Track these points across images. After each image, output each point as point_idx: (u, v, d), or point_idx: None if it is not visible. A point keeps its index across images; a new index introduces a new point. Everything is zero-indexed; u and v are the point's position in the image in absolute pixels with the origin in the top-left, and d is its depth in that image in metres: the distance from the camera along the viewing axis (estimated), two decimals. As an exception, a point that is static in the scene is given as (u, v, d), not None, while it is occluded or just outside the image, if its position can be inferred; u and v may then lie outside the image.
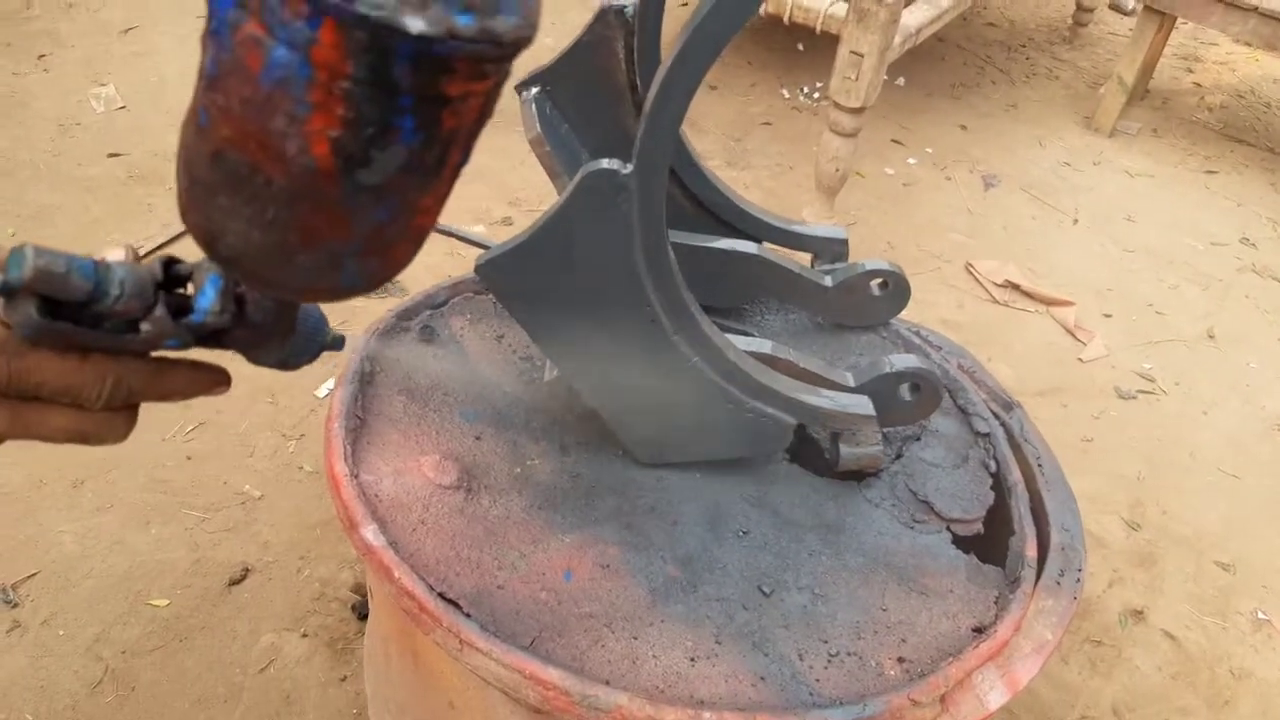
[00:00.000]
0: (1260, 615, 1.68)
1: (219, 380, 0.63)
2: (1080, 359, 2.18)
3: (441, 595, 0.72)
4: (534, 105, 1.01)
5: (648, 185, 0.74)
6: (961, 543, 0.91)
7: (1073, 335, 2.24)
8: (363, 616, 1.47)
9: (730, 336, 0.91)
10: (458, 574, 0.76)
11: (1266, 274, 2.56)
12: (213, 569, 1.54)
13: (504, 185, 2.50)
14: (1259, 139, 3.25)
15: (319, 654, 1.43)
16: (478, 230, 2.36)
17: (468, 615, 0.71)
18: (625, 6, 0.98)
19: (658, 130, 0.71)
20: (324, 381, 1.86)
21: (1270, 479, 1.95)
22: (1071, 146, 3.02)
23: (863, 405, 0.90)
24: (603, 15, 0.98)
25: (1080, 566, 0.87)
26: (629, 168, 0.74)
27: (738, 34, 0.68)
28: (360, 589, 1.52)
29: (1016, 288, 2.34)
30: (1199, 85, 3.59)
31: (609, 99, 1.03)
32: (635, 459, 0.92)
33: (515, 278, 0.80)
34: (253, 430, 1.77)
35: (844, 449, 0.91)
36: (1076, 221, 2.67)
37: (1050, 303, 2.31)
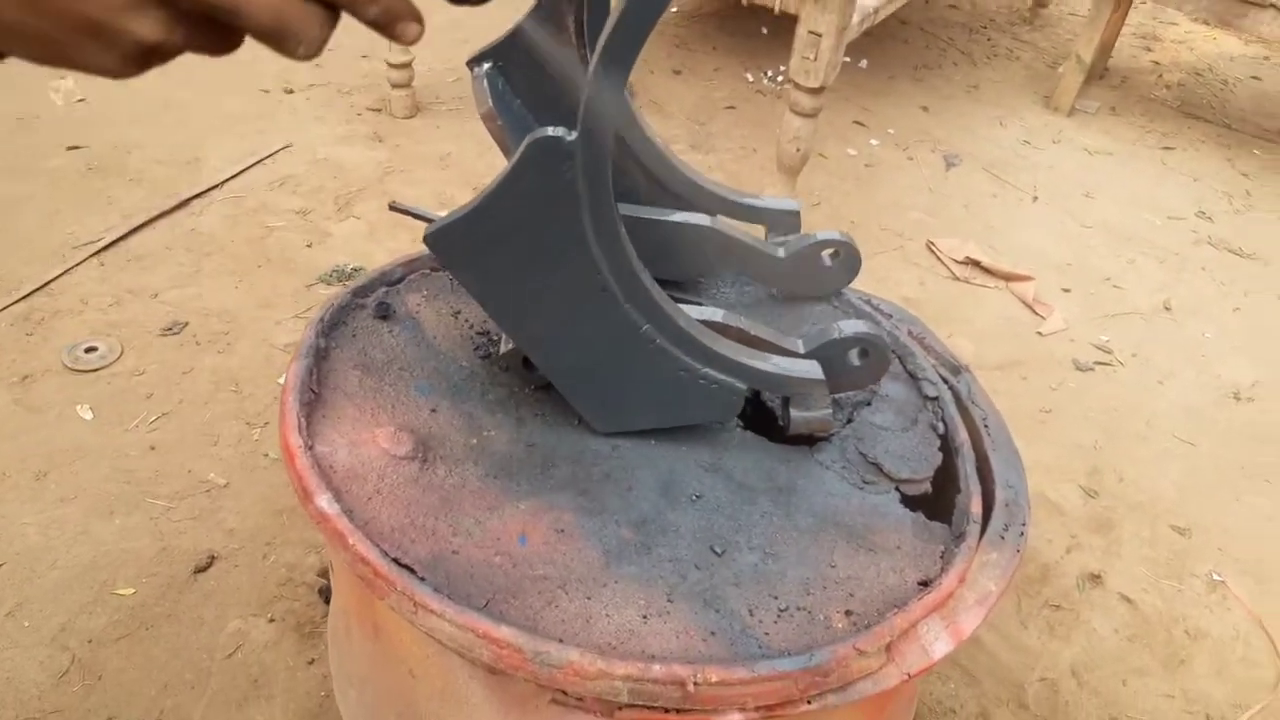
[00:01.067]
0: (1215, 577, 1.72)
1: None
2: (1039, 333, 2.21)
3: (396, 561, 0.73)
4: (485, 81, 1.02)
5: (593, 152, 0.75)
6: (910, 502, 0.93)
7: (1032, 310, 2.27)
8: (329, 600, 1.48)
9: (683, 305, 0.92)
10: (413, 540, 0.77)
11: (1222, 246, 2.61)
12: (178, 557, 1.54)
13: (470, 171, 2.50)
14: (1215, 115, 3.30)
15: (286, 638, 1.43)
16: (441, 215, 2.36)
17: (422, 579, 0.72)
18: (572, -18, 0.98)
19: (600, 97, 0.72)
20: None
21: (1224, 445, 2.00)
22: (1031, 126, 3.06)
23: (812, 370, 0.92)
24: (549, -8, 0.99)
25: (1024, 521, 0.89)
26: (573, 135, 0.75)
27: (652, 39, 0.69)
28: (325, 573, 1.52)
29: (977, 264, 2.37)
30: (1157, 64, 3.64)
31: (561, 72, 1.04)
32: (591, 428, 0.93)
33: (464, 247, 0.81)
34: (217, 419, 1.76)
35: (795, 413, 0.93)
36: (1036, 199, 2.70)
37: (1010, 278, 2.34)
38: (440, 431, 0.89)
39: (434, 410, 0.91)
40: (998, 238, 2.51)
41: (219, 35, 0.51)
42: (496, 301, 0.84)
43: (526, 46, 1.02)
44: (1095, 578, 1.68)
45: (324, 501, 0.76)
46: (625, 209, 1.06)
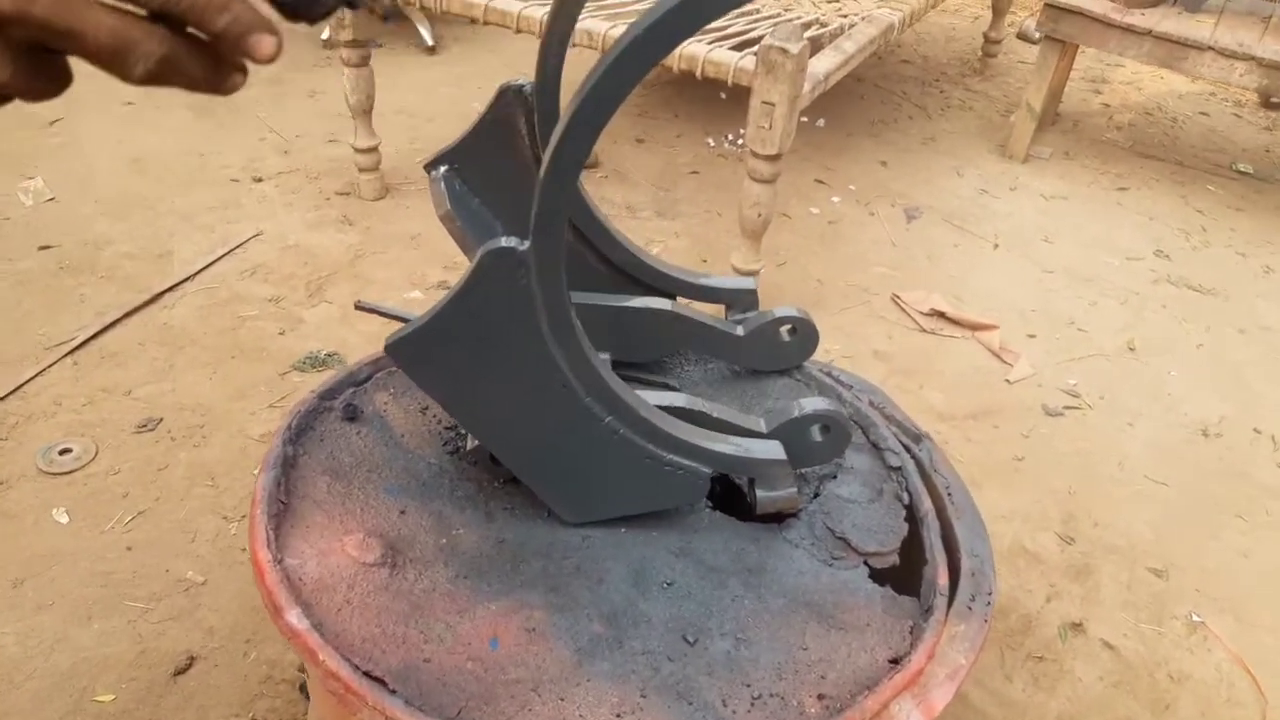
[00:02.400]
0: (1194, 618, 1.73)
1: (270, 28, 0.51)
2: (1008, 380, 2.24)
3: (367, 674, 0.74)
4: (443, 183, 1.05)
5: (546, 259, 0.78)
6: (878, 576, 0.94)
7: (999, 358, 2.31)
8: (309, 696, 1.47)
9: (644, 392, 0.94)
10: (383, 651, 0.77)
11: (1181, 284, 2.66)
12: (158, 659, 1.53)
13: (440, 249, 2.53)
14: (1167, 153, 3.39)
15: (270, 737, 1.42)
16: (414, 295, 2.38)
17: (393, 691, 0.73)
18: (523, 86, 1.02)
19: (549, 207, 0.75)
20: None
21: (1195, 483, 2.02)
22: (988, 174, 3.13)
23: (774, 450, 0.94)
24: (503, 94, 1.03)
25: (990, 590, 0.91)
26: (526, 244, 0.77)
27: (614, 115, 0.72)
28: (305, 668, 1.51)
29: (942, 315, 2.41)
30: (1107, 105, 3.74)
31: (516, 173, 1.07)
32: (561, 520, 0.95)
33: (426, 355, 0.83)
34: (193, 515, 1.76)
35: (761, 493, 0.94)
36: (997, 247, 2.76)
37: (975, 327, 2.38)
38: (409, 533, 0.90)
39: (403, 512, 0.92)
40: (962, 287, 2.56)
41: (52, 69, 0.49)
42: (459, 404, 0.86)
43: (481, 148, 1.05)
44: (1077, 626, 1.69)
45: (294, 617, 0.76)
46: (585, 297, 1.08)
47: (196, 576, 1.66)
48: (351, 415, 1.03)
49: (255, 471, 1.86)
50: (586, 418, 0.87)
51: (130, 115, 3.04)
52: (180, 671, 1.51)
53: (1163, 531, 1.90)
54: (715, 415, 0.96)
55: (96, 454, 1.87)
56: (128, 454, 1.88)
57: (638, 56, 0.70)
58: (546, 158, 0.73)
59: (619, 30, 2.13)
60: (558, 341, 0.83)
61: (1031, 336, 2.40)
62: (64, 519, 1.74)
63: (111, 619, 1.59)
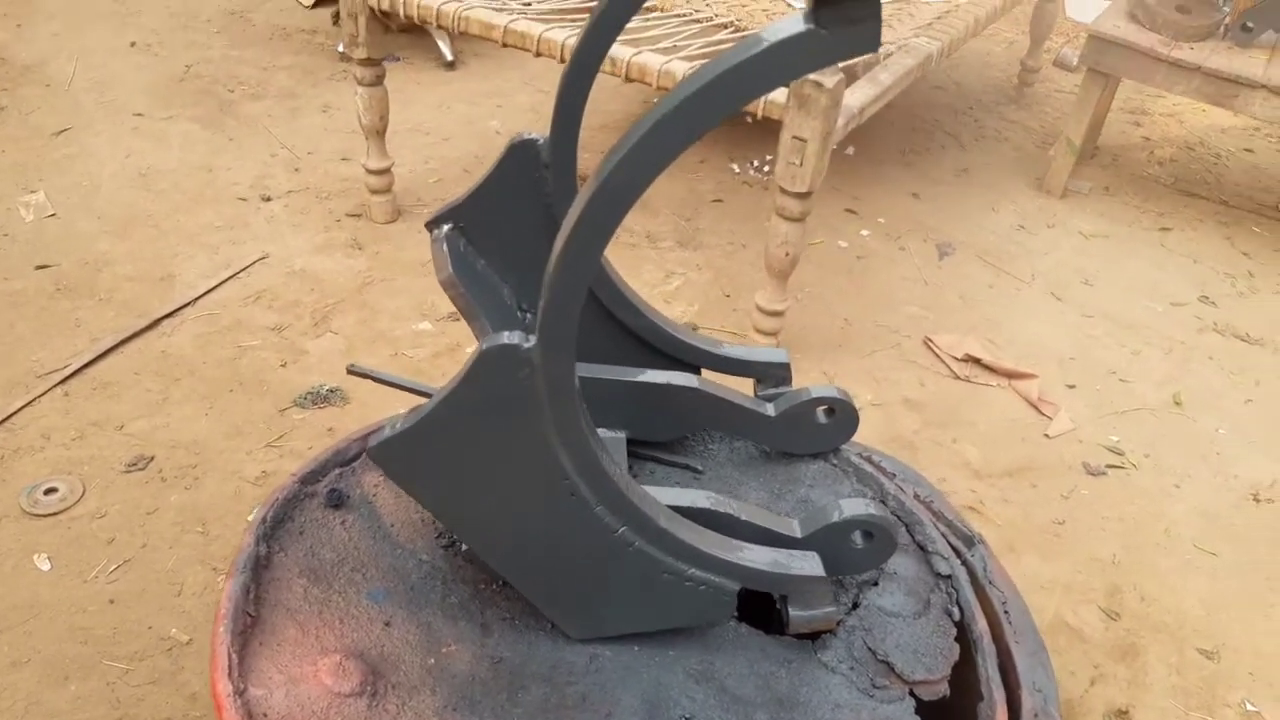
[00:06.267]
0: (1249, 706, 1.60)
1: None
2: (1046, 435, 2.12)
3: (333, 845, 0.63)
4: (445, 244, 0.94)
5: (554, 358, 0.67)
6: (925, 709, 0.83)
7: (1037, 409, 2.18)
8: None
9: (663, 489, 0.83)
10: (355, 811, 0.66)
11: (1228, 333, 2.53)
12: (135, 728, 1.43)
13: (450, 278, 2.43)
14: (1211, 192, 3.26)
15: (248, 823, 1.31)
16: (423, 327, 2.28)
17: None
18: (535, 139, 0.92)
19: (561, 301, 0.64)
20: (258, 506, 1.76)
21: (1246, 553, 1.89)
22: (1024, 210, 3.01)
23: (811, 565, 0.83)
24: (514, 149, 0.92)
25: (1057, 736, 0.79)
26: (531, 340, 0.67)
27: (638, 200, 0.61)
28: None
29: (977, 362, 2.29)
30: (1148, 139, 3.61)
31: (526, 233, 0.97)
32: (566, 634, 0.84)
33: (414, 460, 0.72)
34: (181, 565, 1.66)
35: (794, 612, 0.83)
36: (1034, 288, 2.63)
37: (1012, 376, 2.26)
38: (394, 652, 0.79)
39: (388, 624, 0.82)
40: (997, 331, 2.43)
41: None
42: (453, 513, 0.76)
43: (489, 206, 0.95)
44: (1123, 714, 1.57)
45: (252, 769, 0.66)
46: (600, 370, 0.98)
47: (181, 635, 1.55)
48: (336, 502, 0.92)
49: (249, 519, 1.76)
50: (597, 529, 0.76)
51: (139, 127, 2.96)
52: (157, 743, 1.41)
53: (1213, 607, 1.77)
54: (744, 519, 0.85)
55: (83, 494, 1.77)
56: (116, 495, 1.78)
57: (676, 128, 0.59)
58: (559, 245, 0.63)
59: (641, 57, 2.02)
60: (565, 444, 0.72)
61: (1071, 387, 2.27)
62: (45, 565, 1.64)
63: (89, 680, 1.49)
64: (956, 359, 2.29)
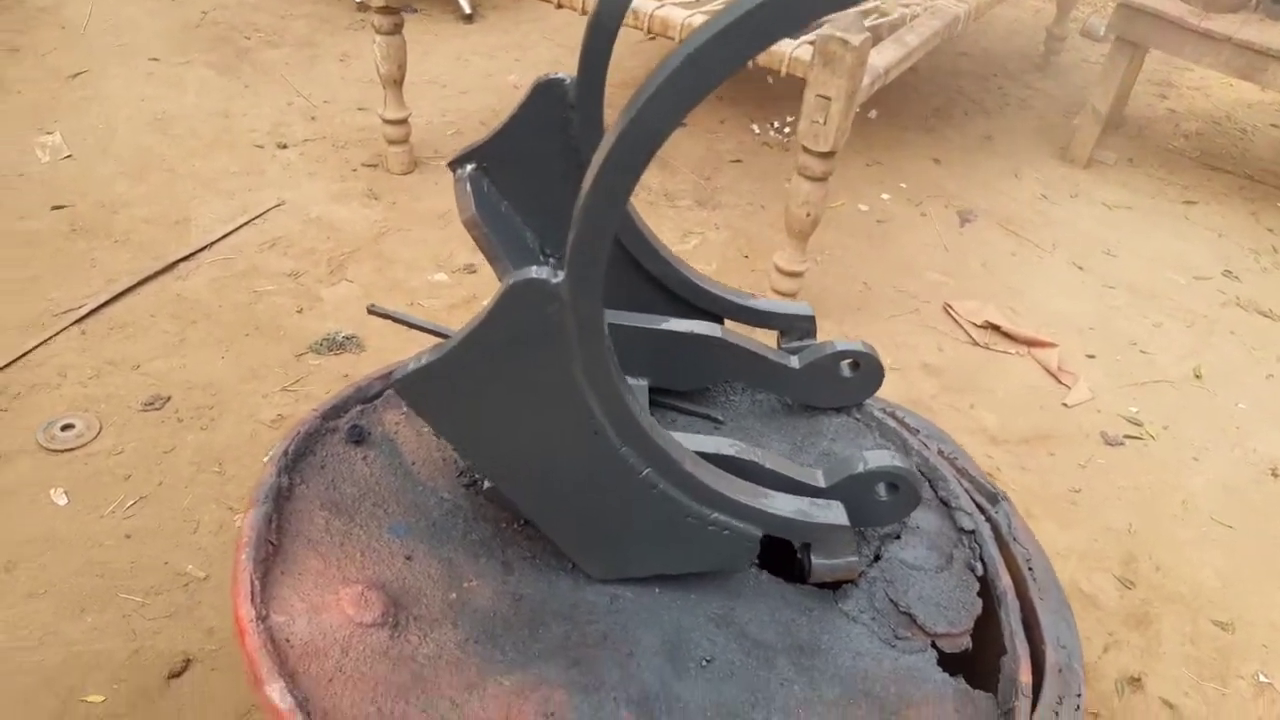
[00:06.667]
0: (1262, 678, 1.60)
1: None
2: (1065, 403, 2.10)
3: (355, 771, 0.63)
4: (469, 184, 0.93)
5: (582, 294, 0.66)
6: (947, 661, 0.82)
7: (1056, 378, 2.17)
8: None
9: (688, 436, 0.82)
10: (376, 739, 0.66)
11: (1251, 308, 2.50)
12: (151, 660, 1.43)
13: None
14: (1237, 166, 3.21)
15: (261, 758, 1.33)
16: (439, 278, 2.27)
17: (384, 796, 0.62)
18: (563, 79, 0.90)
19: (591, 235, 0.63)
20: (273, 448, 1.76)
21: (1264, 528, 1.88)
22: (1048, 178, 2.97)
23: (836, 514, 0.82)
24: (540, 88, 0.90)
25: (1080, 691, 0.79)
26: (560, 276, 0.65)
27: (676, 128, 0.60)
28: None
29: (997, 329, 2.27)
30: (1173, 111, 3.55)
31: (551, 175, 0.95)
32: (587, 574, 0.83)
33: (439, 394, 0.71)
34: (197, 504, 1.66)
35: (817, 561, 0.83)
36: (1056, 257, 2.61)
37: (1032, 344, 2.24)
38: (415, 585, 0.79)
39: (409, 558, 0.81)
40: (1017, 299, 2.41)
41: None
42: (476, 449, 0.75)
43: (514, 147, 0.93)
44: (1135, 681, 1.57)
45: (275, 692, 0.66)
46: (623, 317, 0.96)
47: (197, 571, 1.56)
48: (358, 438, 0.92)
49: (264, 459, 1.76)
50: (621, 469, 0.76)
51: (155, 72, 2.93)
52: (175, 675, 1.42)
53: (1229, 579, 1.76)
54: (768, 466, 0.84)
55: (100, 431, 1.77)
56: (133, 433, 1.78)
57: (717, 56, 0.57)
58: (590, 176, 0.61)
59: (667, 11, 1.99)
60: (591, 384, 0.71)
61: (1091, 357, 2.25)
62: (62, 500, 1.64)
63: (105, 612, 1.49)
64: (976, 325, 2.27)
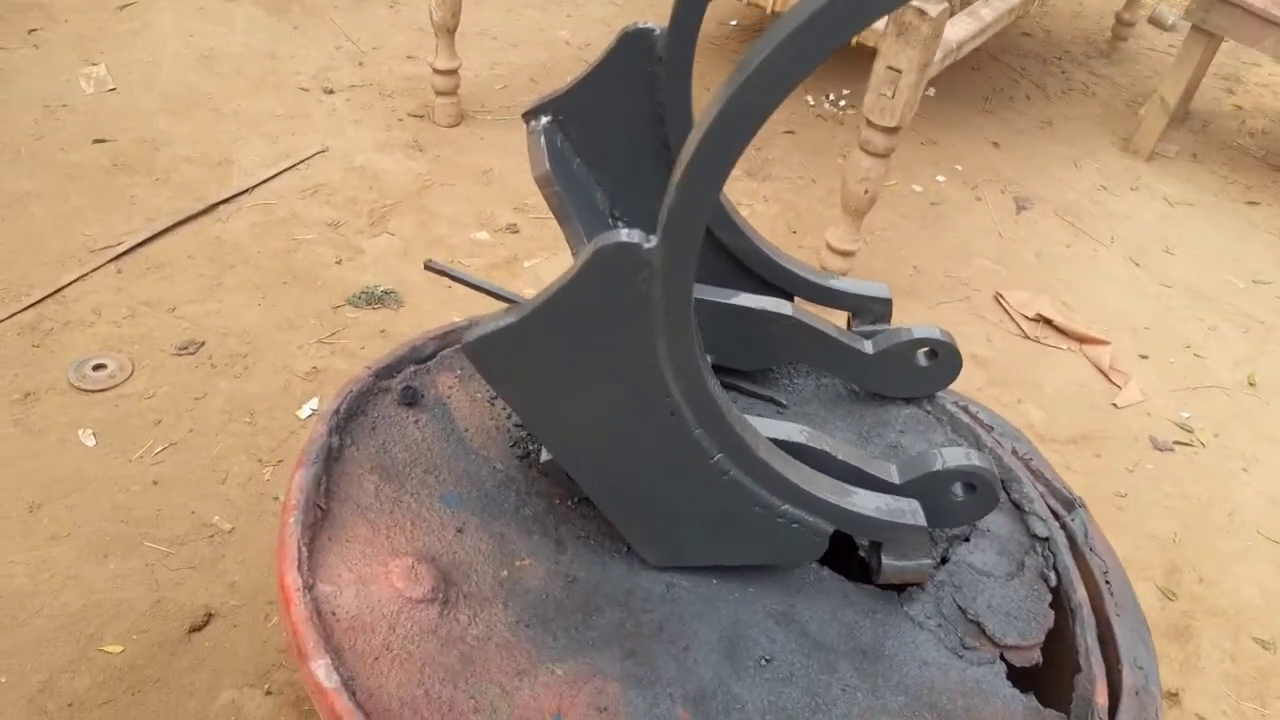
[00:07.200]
0: (1305, 700, 1.55)
1: None
2: (1115, 404, 2.04)
3: (403, 757, 0.60)
4: (543, 137, 0.88)
5: (675, 264, 0.61)
6: (1017, 676, 0.78)
7: (1107, 377, 2.10)
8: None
9: (759, 419, 0.78)
10: (425, 723, 0.63)
11: (1311, 317, 2.42)
12: (173, 611, 1.41)
13: (513, 189, 2.37)
14: (1302, 168, 3.10)
15: (283, 715, 1.30)
16: (481, 236, 2.23)
17: (433, 786, 0.59)
18: (652, 29, 0.84)
19: (691, 204, 0.58)
20: (306, 402, 1.73)
21: (1315, 545, 1.82)
22: (1108, 169, 2.88)
23: (913, 513, 0.78)
24: (626, 38, 0.85)
25: (1158, 717, 0.74)
26: (653, 241, 0.61)
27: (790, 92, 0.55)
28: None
29: (1049, 323, 2.21)
30: (1240, 108, 3.44)
31: (631, 134, 0.90)
32: (643, 559, 0.79)
33: (512, 360, 0.67)
34: (227, 454, 1.64)
35: (887, 561, 0.78)
36: (1113, 251, 2.53)
37: (1084, 340, 2.18)
38: (466, 560, 0.75)
39: (460, 530, 0.78)
40: (1071, 292, 2.34)
41: None
42: (542, 420, 0.71)
43: (593, 101, 0.88)
44: (1173, 695, 1.52)
45: (321, 670, 0.62)
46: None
47: (224, 523, 1.54)
48: (410, 400, 0.88)
49: (297, 413, 1.74)
50: (692, 452, 0.71)
51: (204, 7, 2.88)
52: (196, 629, 1.40)
53: (1273, 596, 1.71)
54: (839, 458, 0.80)
55: (132, 373, 1.75)
56: (165, 377, 1.76)
57: (846, 9, 0.52)
58: (696, 137, 0.56)
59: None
60: (673, 360, 0.67)
61: (1144, 357, 2.18)
62: (90, 441, 1.62)
63: (129, 559, 1.48)
64: (1027, 318, 2.21)
